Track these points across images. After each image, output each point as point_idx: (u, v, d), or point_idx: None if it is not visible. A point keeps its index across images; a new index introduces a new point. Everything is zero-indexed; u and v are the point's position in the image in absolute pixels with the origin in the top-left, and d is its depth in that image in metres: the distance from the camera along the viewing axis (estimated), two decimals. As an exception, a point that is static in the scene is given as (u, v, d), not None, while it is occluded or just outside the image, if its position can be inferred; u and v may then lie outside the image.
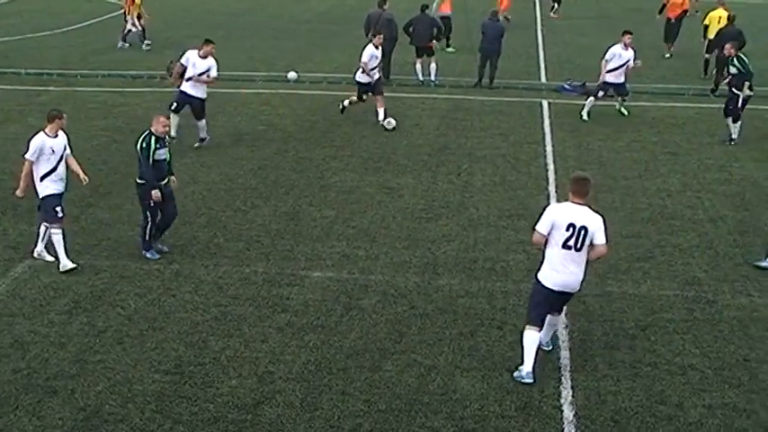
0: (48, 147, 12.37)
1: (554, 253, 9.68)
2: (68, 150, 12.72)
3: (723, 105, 19.56)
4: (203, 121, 18.12)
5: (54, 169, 12.46)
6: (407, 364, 10.30)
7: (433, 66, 24.21)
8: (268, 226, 14.28)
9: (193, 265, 12.73)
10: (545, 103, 22.51)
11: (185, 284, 12.19)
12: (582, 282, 9.90)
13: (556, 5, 37.60)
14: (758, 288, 12.44)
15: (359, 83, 20.13)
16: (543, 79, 25.75)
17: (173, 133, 17.38)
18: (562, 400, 9.57)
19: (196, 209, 14.86)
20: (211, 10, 36.07)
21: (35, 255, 12.78)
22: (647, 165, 17.82)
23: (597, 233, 9.60)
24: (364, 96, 20.20)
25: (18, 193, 12.77)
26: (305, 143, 18.84)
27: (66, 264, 12.42)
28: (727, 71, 19.41)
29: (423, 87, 23.96)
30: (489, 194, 15.95)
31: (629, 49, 20.88)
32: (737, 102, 18.91)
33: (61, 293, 11.85)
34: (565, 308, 10.53)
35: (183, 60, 18.00)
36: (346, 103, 20.56)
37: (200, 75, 17.73)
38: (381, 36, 20.27)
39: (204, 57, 17.80)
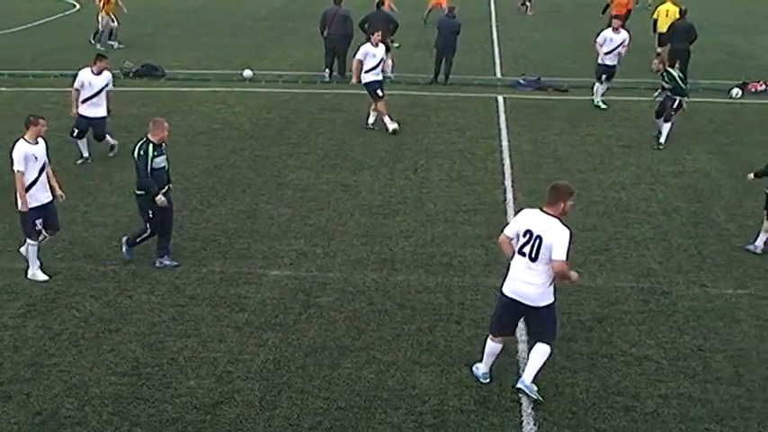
0: (31, 154, 11.85)
1: (513, 259, 9.38)
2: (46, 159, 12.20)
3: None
4: (107, 138, 17.26)
5: (37, 179, 11.94)
6: (366, 360, 10.31)
7: (389, 62, 24.18)
8: (225, 225, 14.21)
9: (150, 266, 12.62)
10: (500, 99, 22.62)
11: (142, 285, 12.09)
12: (537, 300, 9.23)
13: (527, 2, 37.75)
14: (711, 278, 12.61)
15: (366, 84, 19.36)
16: (498, 74, 25.90)
17: (85, 154, 17.04)
18: (520, 394, 9.62)
19: (152, 209, 14.74)
20: (166, 7, 35.82)
21: (29, 276, 12.17)
22: (602, 158, 17.98)
23: (554, 246, 8.94)
24: (379, 92, 19.26)
25: (21, 208, 11.95)
26: (261, 141, 18.77)
27: (35, 273, 12.13)
28: (662, 87, 18.96)
29: (379, 83, 23.95)
30: (446, 190, 16.00)
31: (620, 31, 21.52)
32: (673, 104, 18.40)
33: (15, 296, 11.69)
34: (541, 346, 9.46)
35: (76, 84, 16.90)
36: (371, 120, 19.64)
37: (98, 92, 16.84)
38: (379, 33, 19.61)
39: (99, 73, 16.87)
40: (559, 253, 8.95)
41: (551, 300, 9.31)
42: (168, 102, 21.71)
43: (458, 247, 13.51)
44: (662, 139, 18.56)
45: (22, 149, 11.88)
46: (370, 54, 19.34)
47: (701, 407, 9.53)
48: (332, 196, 15.58)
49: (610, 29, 21.84)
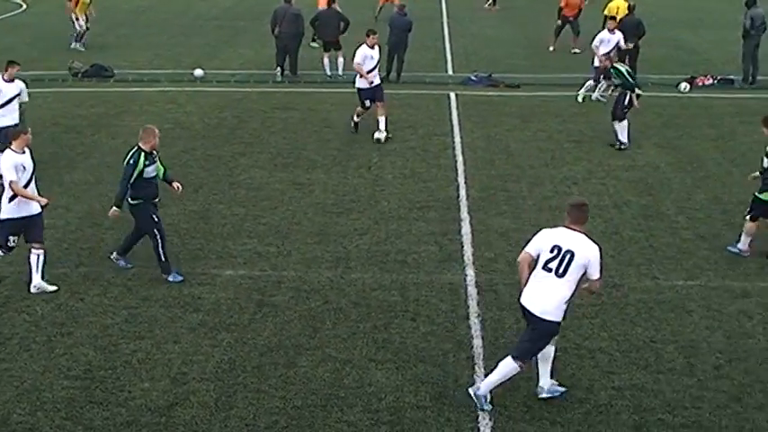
0: (19, 164, 11.58)
1: (534, 273, 9.22)
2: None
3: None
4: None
5: (25, 188, 11.66)
6: (322, 359, 10.30)
7: (340, 60, 24.17)
8: (177, 225, 14.10)
9: (102, 268, 12.50)
10: (452, 95, 22.70)
11: (93, 287, 11.97)
12: (548, 313, 9.05)
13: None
14: (662, 271, 12.78)
15: (359, 89, 19.01)
16: (450, 71, 25.98)
17: None
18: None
19: (103, 210, 14.55)
20: (114, 6, 35.38)
21: (33, 289, 11.82)
22: (554, 153, 18.12)
23: (591, 265, 9.03)
24: (367, 103, 18.92)
25: (41, 203, 11.81)
26: (213, 141, 18.66)
27: None
28: (614, 84, 19.12)
29: (331, 82, 23.90)
30: (400, 187, 16.03)
31: (615, 32, 21.97)
32: (624, 100, 18.33)
33: (-36, 302, 11.52)
34: (554, 343, 9.46)
35: None
36: (356, 118, 19.23)
37: (9, 100, 15.81)
38: (376, 36, 19.15)
39: (10, 80, 15.88)
40: (597, 271, 9.12)
41: (558, 319, 9.16)
42: (118, 102, 21.47)
43: (412, 244, 13.54)
44: (623, 139, 18.30)
45: (11, 159, 11.62)
46: (368, 56, 18.88)
47: (654, 397, 9.66)
48: (285, 195, 15.53)
49: (605, 30, 22.32)
